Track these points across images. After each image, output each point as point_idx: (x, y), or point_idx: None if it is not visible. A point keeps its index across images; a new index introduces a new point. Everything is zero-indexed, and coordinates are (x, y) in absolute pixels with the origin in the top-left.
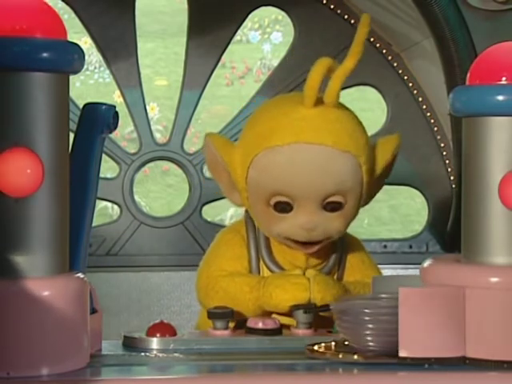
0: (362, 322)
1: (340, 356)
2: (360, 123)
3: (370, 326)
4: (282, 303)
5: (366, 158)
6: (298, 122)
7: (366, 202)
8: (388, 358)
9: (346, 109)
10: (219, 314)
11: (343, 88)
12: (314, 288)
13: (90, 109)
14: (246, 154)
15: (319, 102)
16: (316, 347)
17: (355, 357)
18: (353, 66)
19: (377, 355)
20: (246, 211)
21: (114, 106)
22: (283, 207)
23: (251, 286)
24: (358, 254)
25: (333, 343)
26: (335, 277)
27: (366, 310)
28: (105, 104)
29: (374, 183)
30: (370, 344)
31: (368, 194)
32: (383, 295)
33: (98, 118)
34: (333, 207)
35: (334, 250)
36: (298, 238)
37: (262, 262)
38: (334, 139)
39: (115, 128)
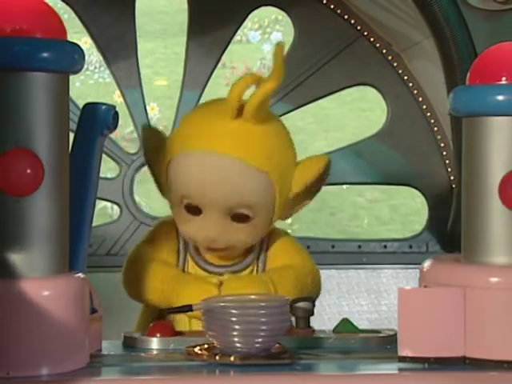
0: (228, 323)
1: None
2: (283, 142)
3: (237, 326)
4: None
5: (280, 177)
6: (215, 132)
7: (287, 217)
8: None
9: (274, 125)
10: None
11: (343, 88)
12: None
13: (90, 109)
14: (167, 155)
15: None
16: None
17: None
18: (272, 89)
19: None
20: None
21: (114, 106)
22: (193, 209)
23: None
24: (278, 243)
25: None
26: (255, 271)
27: (233, 311)
28: (105, 104)
29: (295, 201)
30: (237, 345)
31: (286, 211)
32: (252, 296)
33: (98, 118)
34: (240, 219)
35: (253, 247)
36: (201, 243)
37: (188, 256)
38: (245, 154)
39: (115, 128)
